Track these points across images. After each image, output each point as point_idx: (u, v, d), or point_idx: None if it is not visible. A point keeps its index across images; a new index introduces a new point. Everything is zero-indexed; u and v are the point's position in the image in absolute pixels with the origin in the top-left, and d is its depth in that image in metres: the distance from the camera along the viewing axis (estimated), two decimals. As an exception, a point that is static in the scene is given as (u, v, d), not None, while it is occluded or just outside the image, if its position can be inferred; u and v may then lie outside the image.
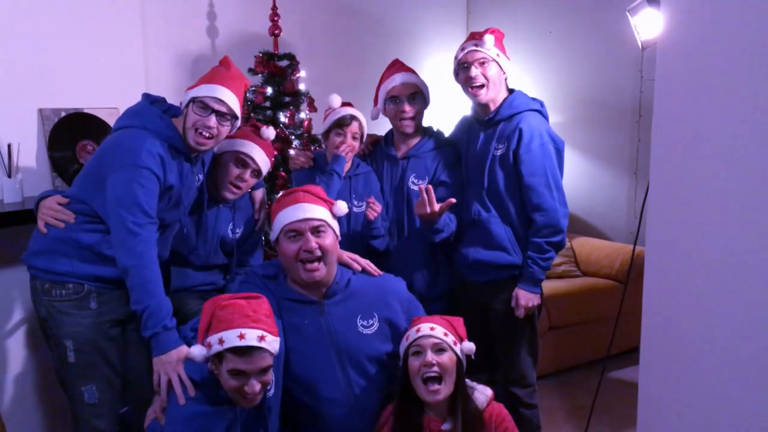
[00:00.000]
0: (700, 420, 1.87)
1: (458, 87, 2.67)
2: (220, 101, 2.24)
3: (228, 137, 2.52)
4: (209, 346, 1.88)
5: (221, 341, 1.85)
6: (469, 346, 2.14)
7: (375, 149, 2.88)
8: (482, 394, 2.16)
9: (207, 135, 2.25)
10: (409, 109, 2.67)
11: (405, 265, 2.69)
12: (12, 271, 2.73)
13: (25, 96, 2.84)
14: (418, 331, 2.11)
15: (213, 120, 2.24)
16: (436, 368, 2.05)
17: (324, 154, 2.78)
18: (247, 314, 1.88)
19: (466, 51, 2.60)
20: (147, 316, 2.05)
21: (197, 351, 1.88)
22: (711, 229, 1.79)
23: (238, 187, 2.55)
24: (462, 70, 2.61)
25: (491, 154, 2.59)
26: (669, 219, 1.93)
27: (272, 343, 1.90)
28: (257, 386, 1.87)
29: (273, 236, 2.24)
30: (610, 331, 3.09)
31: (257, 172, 2.57)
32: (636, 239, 3.24)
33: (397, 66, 2.75)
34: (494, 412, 2.14)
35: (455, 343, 2.11)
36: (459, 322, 2.21)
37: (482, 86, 2.58)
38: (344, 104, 2.73)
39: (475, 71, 2.57)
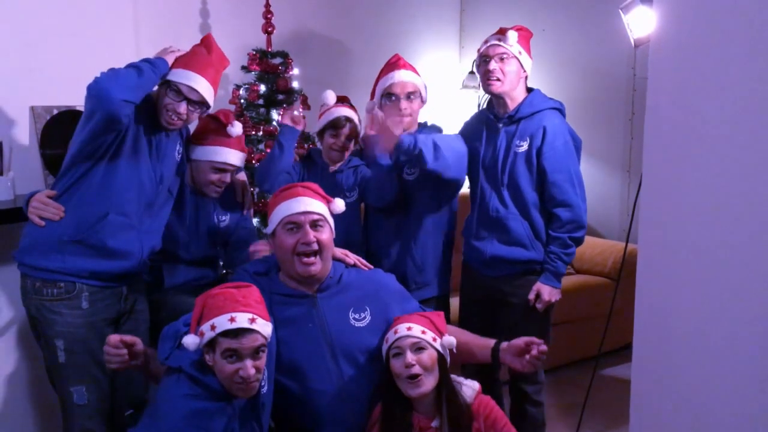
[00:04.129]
0: (693, 417, 1.88)
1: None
2: (194, 90, 2.27)
3: (197, 140, 2.52)
4: (202, 334, 1.88)
5: (213, 327, 1.86)
6: (449, 340, 2.14)
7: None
8: (470, 387, 2.16)
9: (176, 118, 2.29)
10: (405, 108, 2.66)
11: (396, 257, 2.68)
12: (4, 270, 2.72)
13: (17, 93, 2.83)
14: (395, 332, 2.11)
15: (184, 107, 2.28)
16: (417, 368, 2.05)
17: (320, 150, 2.78)
18: (237, 300, 1.90)
19: (488, 44, 2.62)
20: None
21: (191, 340, 1.88)
22: (703, 227, 1.80)
23: (221, 187, 2.57)
24: (482, 63, 2.63)
25: (513, 151, 2.61)
26: (661, 216, 1.93)
27: (264, 327, 1.90)
28: (251, 370, 1.87)
29: (269, 229, 2.23)
30: (603, 329, 3.10)
31: (236, 170, 2.59)
32: (628, 237, 3.25)
33: (397, 62, 2.73)
34: (482, 404, 2.14)
35: (434, 339, 2.11)
36: (438, 316, 2.20)
37: (498, 80, 2.59)
38: (339, 98, 2.72)
39: (494, 65, 2.58)
